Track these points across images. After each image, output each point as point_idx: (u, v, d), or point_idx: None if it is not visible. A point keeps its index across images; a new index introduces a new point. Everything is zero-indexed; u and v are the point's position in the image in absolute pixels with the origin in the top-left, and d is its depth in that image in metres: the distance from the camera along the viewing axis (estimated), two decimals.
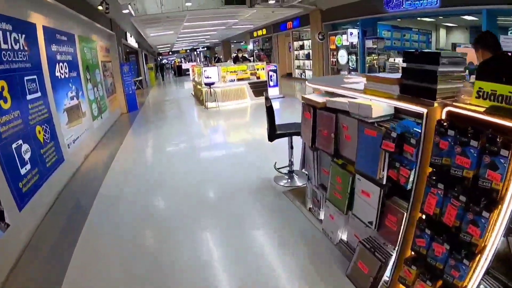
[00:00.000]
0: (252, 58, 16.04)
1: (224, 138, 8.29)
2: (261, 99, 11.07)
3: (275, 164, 4.84)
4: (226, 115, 10.28)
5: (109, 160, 6.57)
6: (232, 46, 30.79)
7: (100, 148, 7.72)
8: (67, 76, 6.63)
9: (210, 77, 11.11)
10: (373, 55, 12.41)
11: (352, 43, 13.08)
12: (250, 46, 24.38)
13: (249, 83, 11.51)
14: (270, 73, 11.75)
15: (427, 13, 11.06)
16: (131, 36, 17.36)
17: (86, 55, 8.36)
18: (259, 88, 11.51)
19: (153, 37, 20.40)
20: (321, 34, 14.33)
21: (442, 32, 15.11)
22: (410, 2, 10.49)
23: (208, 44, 36.11)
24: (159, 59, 48.65)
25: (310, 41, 16.46)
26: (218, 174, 5.30)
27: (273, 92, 11.81)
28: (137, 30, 17.30)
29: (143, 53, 22.83)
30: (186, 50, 39.95)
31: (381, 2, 11.22)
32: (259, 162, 5.56)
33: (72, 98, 6.78)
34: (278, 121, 4.54)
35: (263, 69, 11.74)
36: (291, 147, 4.57)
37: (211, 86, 10.84)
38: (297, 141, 4.13)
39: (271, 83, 11.82)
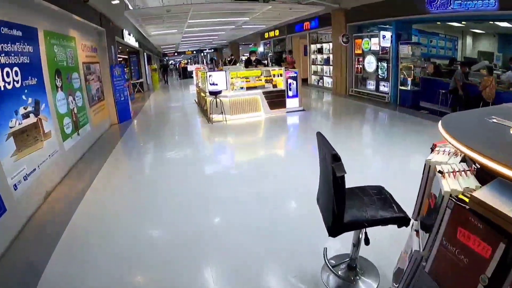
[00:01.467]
0: (267, 61, 14.12)
1: (231, 177, 5.47)
2: (278, 113, 9.18)
3: (325, 251, 2.80)
4: (235, 134, 8.34)
5: (79, 199, 4.73)
6: (241, 48, 28.83)
7: (72, 177, 5.82)
8: (17, 85, 4.67)
9: (217, 84, 9.14)
10: (403, 62, 10.39)
11: (384, 48, 11.05)
12: (261, 49, 22.36)
13: (264, 93, 9.52)
14: (290, 80, 9.79)
15: (480, 16, 9.14)
16: (130, 35, 15.44)
17: (57, 56, 6.43)
18: (275, 99, 9.55)
19: (156, 36, 18.48)
20: (346, 37, 12.31)
21: (469, 39, 13.65)
22: (460, 2, 8.50)
23: (215, 45, 34.24)
24: (165, 60, 47.00)
25: (330, 44, 14.44)
26: (217, 251, 3.26)
27: (291, 103, 9.85)
28: (137, 28, 15.39)
29: (144, 53, 20.89)
30: (192, 51, 38.04)
31: (421, 0, 9.22)
32: (288, 232, 3.49)
33: (25, 116, 4.84)
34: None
35: (280, 75, 9.70)
36: (357, 243, 2.52)
37: (217, 95, 8.87)
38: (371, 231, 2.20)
39: (290, 93, 9.83)
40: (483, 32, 12.98)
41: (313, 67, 16.16)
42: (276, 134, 8.04)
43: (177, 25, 14.56)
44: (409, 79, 10.35)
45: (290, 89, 9.74)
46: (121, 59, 21.06)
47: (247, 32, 20.80)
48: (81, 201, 4.74)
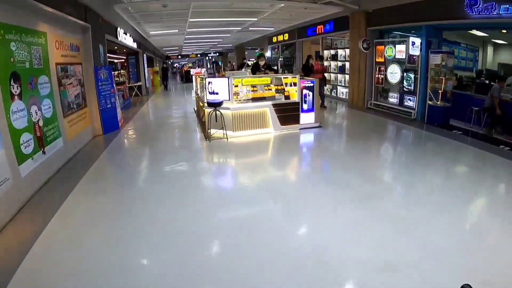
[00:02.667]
0: (277, 67, 12.62)
1: (216, 232, 3.85)
2: (290, 130, 7.77)
3: None
4: (235, 156, 6.88)
5: (22, 252, 3.31)
6: (247, 53, 27.44)
7: (24, 215, 4.34)
8: None
9: (217, 93, 7.69)
10: (434, 74, 9.00)
11: (412, 56, 9.59)
12: (268, 54, 20.92)
13: (274, 105, 8.00)
14: (305, 91, 8.32)
15: None
16: (126, 34, 14.04)
17: (16, 56, 5.00)
18: (288, 113, 8.09)
19: (156, 37, 17.14)
20: (367, 42, 10.85)
21: (490, 50, 12.38)
22: (508, 6, 7.14)
23: (221, 49, 32.92)
24: (167, 62, 45.71)
25: (346, 50, 13.00)
26: None
27: (306, 119, 8.39)
28: (135, 28, 14.01)
29: (144, 55, 19.49)
30: (196, 54, 36.71)
31: (459, 3, 7.80)
32: None
33: None
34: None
35: (294, 84, 8.22)
36: None
37: (218, 107, 7.43)
38: None
39: (305, 106, 8.37)
40: (505, 43, 11.73)
41: (326, 75, 14.65)
42: (287, 159, 6.56)
43: (178, 25, 13.20)
44: (439, 93, 8.90)
45: (305, 102, 8.26)
46: (118, 60, 19.76)
47: (254, 35, 19.41)
48: (26, 255, 3.29)
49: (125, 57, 19.47)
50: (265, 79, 8.26)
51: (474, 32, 11.04)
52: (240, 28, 15.07)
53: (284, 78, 8.36)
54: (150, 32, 15.30)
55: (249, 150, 7.02)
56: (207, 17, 11.25)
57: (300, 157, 6.78)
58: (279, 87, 8.16)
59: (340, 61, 13.58)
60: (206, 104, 7.59)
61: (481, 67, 12.74)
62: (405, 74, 9.93)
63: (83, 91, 8.15)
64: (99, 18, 9.57)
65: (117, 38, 12.65)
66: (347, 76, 13.08)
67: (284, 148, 7.07)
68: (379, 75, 11.01)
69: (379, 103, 11.13)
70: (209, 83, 7.74)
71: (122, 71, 18.52)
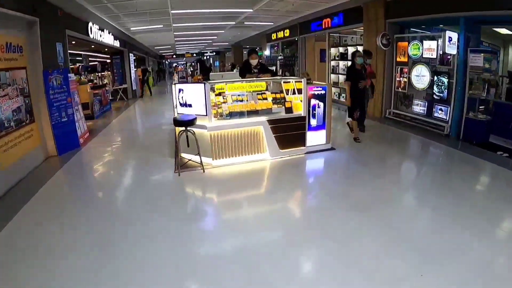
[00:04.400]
0: (275, 68, 10.51)
1: None
2: (293, 154, 5.88)
3: None
4: (212, 202, 4.76)
5: None
6: (245, 52, 25.38)
7: None
8: None
9: (190, 106, 5.62)
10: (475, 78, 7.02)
11: (445, 56, 7.56)
12: (267, 52, 18.82)
13: (271, 121, 5.77)
14: (314, 101, 6.13)
15: None
16: (102, 31, 12.02)
17: None
18: (290, 132, 5.93)
19: (140, 34, 15.14)
20: (386, 38, 8.80)
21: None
22: None
23: (217, 48, 30.93)
24: (166, 62, 43.75)
25: (358, 48, 10.91)
26: None
27: (315, 138, 6.26)
28: (112, 24, 12.05)
29: (130, 55, 17.46)
30: (192, 54, 34.70)
31: None
32: None
33: None
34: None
35: (299, 92, 6.15)
36: None
37: (189, 126, 5.33)
38: None
39: (314, 122, 6.20)
40: None
41: (333, 77, 12.61)
42: (288, 207, 4.47)
43: (160, 19, 11.22)
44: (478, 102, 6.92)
45: (313, 116, 6.15)
46: (94, 60, 17.78)
47: (251, 32, 17.38)
48: None
49: (109, 57, 17.47)
50: (259, 84, 6.12)
51: (498, 29, 9.02)
52: (234, 23, 13.06)
53: (284, 82, 6.23)
54: (132, 29, 13.31)
55: (232, 189, 4.93)
56: (190, 7, 9.22)
57: (308, 203, 4.61)
58: (278, 95, 6.04)
59: (350, 60, 11.45)
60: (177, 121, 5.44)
61: (502, 68, 10.72)
62: (435, 77, 7.88)
63: (28, 103, 6.17)
64: (56, 10, 7.62)
65: (88, 35, 10.65)
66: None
67: (285, 185, 4.98)
68: (401, 78, 8.95)
69: (400, 112, 9.07)
70: (179, 91, 5.68)
71: (104, 73, 16.63)
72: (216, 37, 19.32)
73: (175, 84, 5.83)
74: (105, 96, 13.36)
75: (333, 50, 12.50)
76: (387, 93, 9.37)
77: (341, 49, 12.06)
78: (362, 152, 6.38)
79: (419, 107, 8.56)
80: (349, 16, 10.57)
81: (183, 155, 6.01)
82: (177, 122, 5.17)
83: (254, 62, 6.93)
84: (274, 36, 17.15)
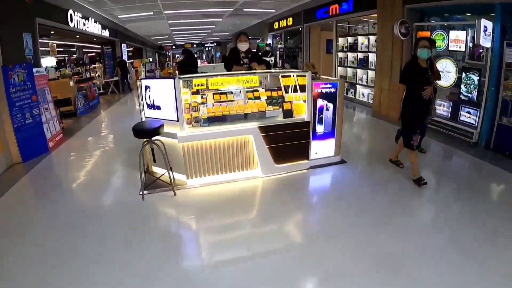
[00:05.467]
0: (273, 59, 9.08)
1: None
2: (295, 170, 4.67)
3: None
4: (179, 242, 3.54)
5: None
6: None
7: None
8: None
9: (159, 108, 4.35)
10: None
11: (476, 49, 6.22)
12: (269, 42, 17.41)
13: (263, 128, 4.42)
14: (321, 102, 4.72)
15: None
16: (87, 19, 10.81)
17: None
18: (289, 141, 4.58)
19: (131, 23, 13.87)
20: (405, 26, 7.45)
21: None
22: None
23: (218, 38, 29.53)
24: (168, 53, 42.30)
25: (371, 38, 9.58)
26: None
27: (321, 149, 4.90)
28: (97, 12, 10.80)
29: (122, 45, 16.20)
30: (192, 44, 33.28)
31: None
32: None
33: None
34: None
35: (302, 89, 4.72)
36: None
37: (153, 135, 4.03)
38: None
39: (320, 129, 4.81)
40: None
41: (341, 70, 11.25)
42: (285, 248, 3.21)
43: (149, 4, 9.90)
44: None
45: (320, 121, 4.78)
46: (95, 53, 16.57)
47: (251, 20, 16.02)
48: None
49: (99, 48, 16.25)
50: (250, 78, 4.65)
51: None
52: (232, 9, 11.72)
53: (283, 76, 4.83)
54: (120, 17, 12.06)
55: (210, 219, 3.69)
56: None
57: (310, 246, 3.26)
58: (275, 94, 4.71)
59: (361, 52, 10.12)
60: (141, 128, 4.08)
61: None
62: (464, 74, 6.53)
63: None
64: None
65: (68, 24, 9.43)
66: (371, 73, 9.65)
67: (280, 213, 3.74)
68: None
69: None
70: (146, 88, 4.42)
71: (94, 65, 15.41)
72: (214, 26, 17.99)
73: (140, 79, 4.56)
74: (92, 90, 12.12)
75: (341, 41, 11.11)
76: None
77: (350, 39, 10.67)
78: (377, 166, 5.08)
79: (441, 108, 7.22)
80: (360, 2, 9.21)
81: (155, 169, 4.78)
82: (137, 132, 3.88)
83: (243, 47, 5.20)
84: (276, 25, 15.75)
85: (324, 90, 4.54)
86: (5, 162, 5.61)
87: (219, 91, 4.55)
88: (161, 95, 4.24)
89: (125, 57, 16.54)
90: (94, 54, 18.50)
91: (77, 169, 5.57)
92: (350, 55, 10.68)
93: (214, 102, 4.47)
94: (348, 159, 5.16)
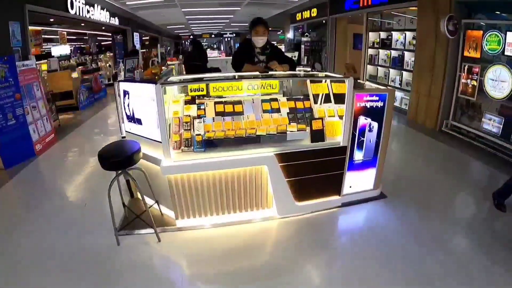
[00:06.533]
0: (295, 54, 7.66)
1: None
2: (320, 209, 3.48)
3: None
4: None
5: None
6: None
7: None
8: None
9: (140, 123, 3.19)
10: None
11: None
12: (290, 35, 16.05)
13: (282, 155, 3.13)
14: (363, 121, 3.35)
15: None
16: (92, 6, 9.78)
17: None
18: (316, 173, 3.32)
19: (142, 10, 12.79)
20: (453, 23, 6.12)
21: None
22: None
23: (237, 29, 28.21)
24: (186, 43, 41.17)
25: (408, 34, 8.23)
26: None
27: (358, 181, 3.61)
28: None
29: (134, 34, 15.17)
30: (210, 34, 32.08)
31: None
32: None
33: None
34: None
35: (339, 100, 3.52)
36: None
37: (127, 166, 2.84)
38: None
39: (359, 156, 3.47)
40: None
41: (370, 69, 9.90)
42: None
43: None
44: None
45: (359, 146, 3.45)
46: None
47: (272, 10, 14.71)
48: None
49: (110, 36, 15.27)
50: (267, 83, 3.52)
51: None
52: None
53: (312, 82, 3.57)
54: (128, 3, 10.98)
55: (201, 278, 2.68)
56: None
57: None
58: (300, 104, 3.52)
59: (395, 49, 8.75)
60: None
61: None
62: None
63: None
64: None
65: (68, 11, 8.41)
66: (406, 74, 8.31)
67: (299, 272, 2.67)
68: (468, 80, 6.26)
69: (461, 125, 6.38)
70: (125, 94, 3.28)
71: (102, 56, 14.44)
72: (232, 16, 16.77)
73: (118, 81, 3.43)
74: (98, 82, 11.17)
75: (371, 35, 9.76)
76: (446, 98, 6.67)
77: (383, 35, 9.30)
78: (424, 199, 3.85)
79: (490, 124, 5.84)
80: None
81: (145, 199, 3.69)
82: (104, 162, 2.75)
83: (260, 41, 3.87)
84: (299, 16, 14.39)
85: (368, 105, 3.29)
86: None
87: (223, 99, 3.39)
88: (141, 104, 3.11)
89: (138, 47, 15.52)
90: (109, 43, 17.57)
91: (56, 184, 4.60)
92: (382, 53, 9.32)
93: (216, 115, 3.31)
94: (388, 191, 3.94)
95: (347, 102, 3.15)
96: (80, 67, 11.14)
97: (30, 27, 9.06)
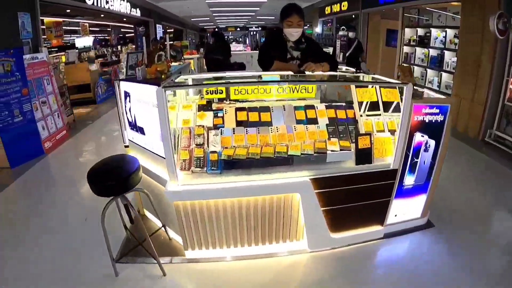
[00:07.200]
0: (334, 51, 6.85)
1: None
2: (359, 241, 2.76)
3: None
4: None
5: None
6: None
7: None
8: None
9: (142, 132, 2.63)
10: None
11: None
12: (318, 29, 15.24)
13: (319, 182, 2.47)
14: (420, 138, 2.63)
15: None
16: None
17: None
18: (358, 202, 2.67)
19: (164, 1, 12.29)
20: (503, 21, 5.30)
21: None
22: None
23: (263, 22, 27.45)
24: (209, 35, 40.54)
25: (448, 31, 7.39)
26: None
27: (405, 209, 2.92)
28: None
29: (157, 26, 14.73)
30: (236, 28, 31.46)
31: None
32: None
33: None
34: None
35: (382, 107, 2.91)
36: None
37: (123, 192, 2.25)
38: None
39: (410, 180, 2.75)
40: None
41: (405, 66, 9.10)
42: None
43: None
44: None
45: (412, 169, 2.72)
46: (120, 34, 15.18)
47: (299, 3, 13.72)
48: None
49: (132, 28, 14.85)
50: (301, 86, 2.87)
51: None
52: None
53: (358, 86, 2.84)
54: None
55: None
56: None
57: None
58: (342, 113, 2.86)
59: (433, 48, 7.91)
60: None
61: None
62: None
63: None
64: None
65: (84, 1, 7.99)
66: (445, 76, 7.49)
67: None
68: None
69: (507, 137, 5.53)
70: (126, 95, 2.73)
71: (122, 47, 14.05)
72: (258, 8, 16.11)
73: (118, 81, 2.86)
74: (118, 75, 10.77)
75: (408, 32, 8.92)
76: (492, 104, 5.83)
77: (420, 31, 8.46)
78: (478, 227, 3.16)
79: None
80: None
81: (147, 213, 3.15)
82: (94, 184, 2.15)
83: (294, 34, 3.11)
84: (328, 10, 13.60)
85: (427, 119, 2.61)
86: None
87: (246, 104, 2.79)
88: (143, 110, 2.53)
89: (160, 37, 15.09)
90: (133, 35, 17.22)
91: (60, 189, 4.17)
92: (419, 51, 8.48)
93: (237, 125, 2.70)
94: (435, 218, 3.25)
95: (403, 115, 2.48)
96: (99, 59, 10.75)
97: (50, 19, 8.77)
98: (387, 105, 2.86)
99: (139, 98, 2.52)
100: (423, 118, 2.58)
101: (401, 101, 2.55)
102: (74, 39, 12.20)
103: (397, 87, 2.69)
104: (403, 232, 3.01)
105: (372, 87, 2.83)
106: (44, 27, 8.45)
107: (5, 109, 4.75)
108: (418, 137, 2.62)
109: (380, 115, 2.85)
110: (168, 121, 2.20)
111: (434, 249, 2.87)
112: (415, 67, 8.55)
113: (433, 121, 2.62)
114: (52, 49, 9.93)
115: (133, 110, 2.62)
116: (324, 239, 2.71)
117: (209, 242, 2.60)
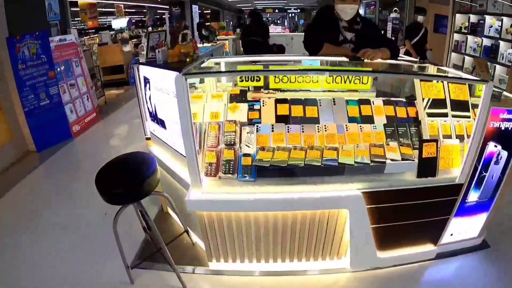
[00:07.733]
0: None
1: None
2: (408, 261, 2.28)
3: None
4: None
5: None
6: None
7: None
8: None
9: (163, 125, 2.29)
10: None
11: None
12: (361, 11, 14.35)
13: (372, 195, 2.00)
14: (492, 148, 2.05)
15: None
16: None
17: None
18: (412, 220, 2.20)
19: None
20: None
21: None
22: None
23: (302, 4, 26.32)
24: (246, 16, 39.63)
25: (505, 19, 6.58)
26: None
27: (462, 228, 2.42)
28: None
29: (193, 6, 14.36)
30: (274, 9, 30.57)
31: None
32: None
33: None
34: None
35: (450, 107, 2.31)
36: None
37: (136, 199, 1.90)
38: None
39: (474, 196, 2.19)
40: None
41: (455, 58, 8.28)
42: None
43: None
44: None
45: (478, 184, 2.16)
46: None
47: None
48: None
49: (167, 7, 14.54)
50: (355, 78, 2.36)
51: None
52: None
53: (423, 80, 2.28)
54: None
55: None
56: None
57: None
58: (402, 111, 2.36)
59: (487, 37, 7.09)
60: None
61: None
62: None
63: None
64: None
65: None
66: (499, 69, 6.71)
67: None
68: None
69: None
70: (146, 81, 2.39)
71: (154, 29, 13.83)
72: None
73: (138, 64, 2.53)
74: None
75: (459, 18, 8.09)
76: None
77: (473, 18, 7.62)
78: None
79: None
80: None
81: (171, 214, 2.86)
82: (102, 190, 1.80)
83: (349, 11, 2.53)
84: None
85: (503, 126, 2.10)
86: (14, 152, 4.38)
87: (288, 95, 2.37)
88: (163, 100, 2.18)
89: (196, 20, 14.73)
90: (169, 16, 16.98)
91: (85, 175, 3.85)
92: (471, 39, 7.68)
93: (277, 120, 2.28)
94: (490, 238, 2.74)
95: (479, 120, 1.97)
96: (133, 39, 10.58)
97: (84, 0, 8.63)
98: (456, 104, 2.35)
99: (159, 86, 2.17)
100: (500, 124, 2.07)
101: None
102: (110, 21, 12.10)
103: (466, 84, 2.19)
104: (456, 253, 2.55)
105: (439, 82, 2.32)
106: (78, 9, 8.31)
107: (31, 92, 4.57)
108: (491, 147, 2.11)
109: (447, 116, 2.34)
110: (190, 115, 1.80)
111: (492, 272, 2.41)
112: (466, 57, 7.79)
113: (510, 128, 2.11)
114: (90, 31, 9.89)
115: (153, 100, 2.28)
116: (370, 258, 2.30)
117: (236, 255, 2.25)
